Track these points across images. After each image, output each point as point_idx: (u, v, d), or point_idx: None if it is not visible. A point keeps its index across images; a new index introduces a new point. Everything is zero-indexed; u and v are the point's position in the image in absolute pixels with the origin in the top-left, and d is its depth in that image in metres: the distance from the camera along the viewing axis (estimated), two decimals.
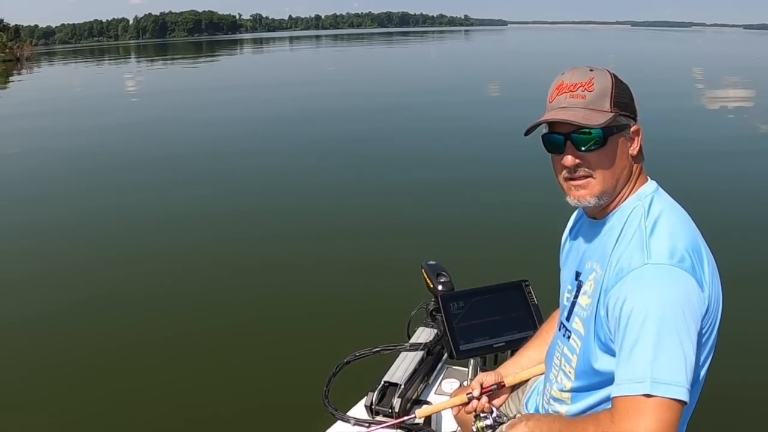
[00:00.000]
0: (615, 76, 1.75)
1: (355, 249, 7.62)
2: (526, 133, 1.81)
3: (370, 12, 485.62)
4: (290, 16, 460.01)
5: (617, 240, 1.73)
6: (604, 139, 1.71)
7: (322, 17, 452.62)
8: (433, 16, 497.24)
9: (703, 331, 1.62)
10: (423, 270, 3.04)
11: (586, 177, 1.75)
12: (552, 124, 1.77)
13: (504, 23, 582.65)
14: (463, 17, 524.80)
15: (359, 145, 14.36)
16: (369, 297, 6.22)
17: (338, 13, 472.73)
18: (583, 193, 1.76)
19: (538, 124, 1.79)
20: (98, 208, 9.68)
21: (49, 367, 5.07)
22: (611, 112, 1.70)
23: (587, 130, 1.70)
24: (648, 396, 1.50)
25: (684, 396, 1.50)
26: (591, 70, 1.75)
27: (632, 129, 1.76)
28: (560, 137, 1.76)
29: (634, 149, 1.77)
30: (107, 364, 5.13)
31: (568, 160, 1.75)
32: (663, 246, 1.62)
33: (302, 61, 55.54)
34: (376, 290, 6.34)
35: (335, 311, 5.93)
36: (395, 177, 11.16)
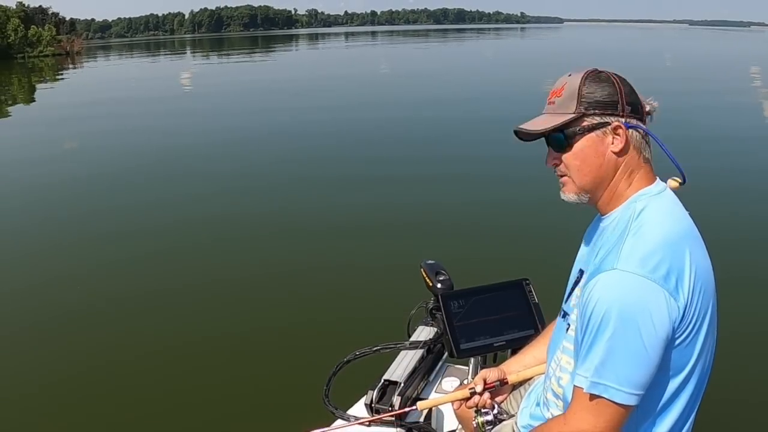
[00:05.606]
0: (591, 76, 1.75)
1: (355, 248, 7.59)
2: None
3: (426, 8, 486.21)
4: (346, 11, 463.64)
5: (606, 239, 1.76)
6: (567, 140, 1.76)
7: (378, 13, 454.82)
8: (489, 13, 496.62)
9: (677, 339, 1.64)
10: (422, 269, 3.01)
11: (564, 175, 1.83)
12: None
13: (560, 21, 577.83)
14: (519, 14, 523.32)
15: (358, 145, 14.34)
16: (369, 296, 6.22)
17: (394, 9, 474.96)
18: (564, 189, 1.84)
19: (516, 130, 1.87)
20: (102, 210, 9.64)
21: (47, 368, 5.10)
22: (574, 113, 1.74)
23: (556, 133, 1.77)
24: (591, 395, 1.63)
25: (623, 400, 1.60)
26: (569, 75, 1.80)
27: (611, 126, 1.73)
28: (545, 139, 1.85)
29: (616, 146, 1.74)
30: (107, 363, 5.15)
31: (548, 160, 1.86)
32: (636, 253, 1.63)
33: (333, 59, 55.33)
34: (375, 289, 6.33)
35: (335, 310, 5.92)
36: (394, 176, 11.05)
